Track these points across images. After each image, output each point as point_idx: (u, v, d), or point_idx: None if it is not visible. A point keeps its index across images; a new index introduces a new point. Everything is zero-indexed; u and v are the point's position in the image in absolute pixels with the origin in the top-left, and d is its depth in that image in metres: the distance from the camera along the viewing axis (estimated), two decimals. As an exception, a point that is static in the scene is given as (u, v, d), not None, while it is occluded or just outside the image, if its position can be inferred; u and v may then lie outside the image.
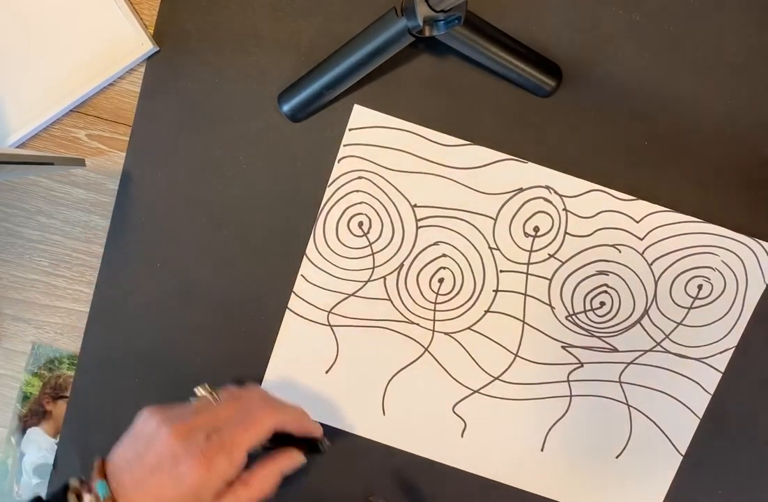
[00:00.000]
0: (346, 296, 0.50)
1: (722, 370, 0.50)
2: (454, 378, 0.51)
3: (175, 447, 0.39)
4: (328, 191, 0.49)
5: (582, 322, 0.50)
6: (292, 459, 0.44)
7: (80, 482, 0.40)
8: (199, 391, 0.44)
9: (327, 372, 0.51)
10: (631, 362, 0.50)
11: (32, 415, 0.55)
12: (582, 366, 0.51)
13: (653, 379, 0.50)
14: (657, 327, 0.50)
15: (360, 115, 0.48)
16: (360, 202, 0.49)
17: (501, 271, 0.50)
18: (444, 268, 0.50)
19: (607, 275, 0.49)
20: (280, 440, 0.44)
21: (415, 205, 0.49)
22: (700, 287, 0.49)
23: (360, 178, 0.49)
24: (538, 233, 0.49)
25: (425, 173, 0.49)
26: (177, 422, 0.40)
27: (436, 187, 0.49)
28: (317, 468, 0.53)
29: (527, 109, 0.48)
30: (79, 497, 0.38)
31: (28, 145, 0.51)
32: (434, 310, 0.50)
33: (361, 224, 0.50)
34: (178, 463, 0.38)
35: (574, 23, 0.47)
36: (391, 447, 0.52)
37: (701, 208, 0.48)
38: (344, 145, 0.49)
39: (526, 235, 0.49)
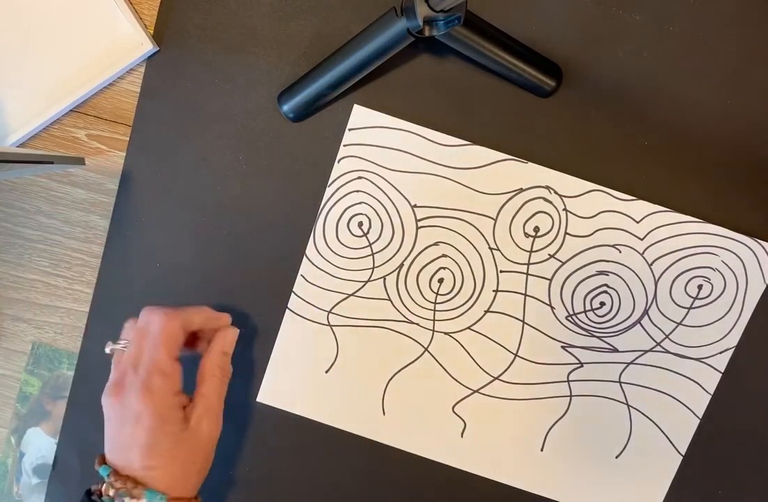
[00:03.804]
0: (346, 296, 0.50)
1: (722, 370, 0.50)
2: (453, 378, 0.51)
3: (120, 402, 0.40)
4: (328, 191, 0.49)
5: (582, 322, 0.50)
6: (225, 338, 0.45)
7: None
8: (108, 349, 0.44)
9: (327, 372, 0.51)
10: (631, 362, 0.50)
11: (32, 415, 0.55)
12: (582, 366, 0.50)
13: (653, 379, 0.50)
14: (657, 327, 0.50)
15: (360, 115, 0.48)
16: (360, 203, 0.49)
17: (501, 271, 0.50)
18: (444, 268, 0.50)
19: (607, 275, 0.49)
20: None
21: (415, 206, 0.49)
22: (700, 287, 0.49)
23: (360, 178, 0.49)
24: (538, 233, 0.49)
25: (425, 173, 0.49)
26: (110, 388, 0.41)
27: (436, 187, 0.49)
28: (317, 467, 0.53)
29: (527, 109, 0.48)
30: (99, 494, 0.40)
31: (28, 144, 0.51)
32: (434, 310, 0.50)
33: (361, 224, 0.50)
34: (129, 409, 0.40)
35: (574, 23, 0.47)
36: (391, 447, 0.52)
37: (701, 208, 0.48)
38: (344, 145, 0.49)
39: (526, 235, 0.49)
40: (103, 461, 0.41)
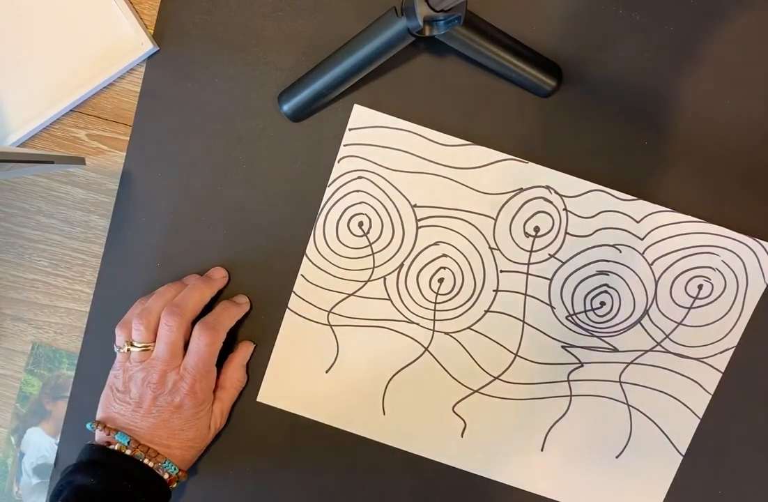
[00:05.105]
0: (346, 295, 0.50)
1: (722, 370, 0.50)
2: (454, 378, 0.51)
3: (163, 395, 0.46)
4: (328, 191, 0.49)
5: (582, 322, 0.50)
6: (246, 352, 0.51)
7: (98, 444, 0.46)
8: (124, 350, 0.47)
9: (327, 372, 0.51)
10: (631, 362, 0.50)
11: (32, 415, 0.55)
12: (582, 366, 0.50)
13: (653, 379, 0.50)
14: (657, 327, 0.50)
15: (360, 115, 0.48)
16: (360, 202, 0.49)
17: (501, 271, 0.50)
18: (444, 268, 0.50)
19: (608, 274, 0.49)
20: None
21: (415, 206, 0.49)
22: (700, 286, 0.49)
23: (360, 178, 0.49)
24: (539, 233, 0.49)
25: (425, 173, 0.49)
26: (153, 385, 0.46)
27: (436, 187, 0.49)
28: (317, 467, 0.53)
29: (527, 109, 0.48)
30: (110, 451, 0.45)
31: (29, 144, 0.51)
32: (434, 310, 0.50)
33: (361, 224, 0.50)
34: (171, 402, 0.46)
35: (574, 23, 0.47)
36: (391, 447, 0.52)
37: (701, 208, 0.48)
38: (344, 145, 0.49)
39: (527, 235, 0.49)
40: (104, 426, 0.46)
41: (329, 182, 0.49)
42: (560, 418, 0.51)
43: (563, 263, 0.49)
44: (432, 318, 0.50)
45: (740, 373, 0.50)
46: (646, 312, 0.50)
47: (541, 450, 0.52)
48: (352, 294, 0.50)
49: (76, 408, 0.54)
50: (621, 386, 0.51)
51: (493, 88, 0.48)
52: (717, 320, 0.50)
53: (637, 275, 0.49)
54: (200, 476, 0.53)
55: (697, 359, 0.50)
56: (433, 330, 0.50)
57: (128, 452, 0.44)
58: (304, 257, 0.50)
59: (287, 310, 0.51)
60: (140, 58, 0.48)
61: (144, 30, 0.47)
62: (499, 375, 0.51)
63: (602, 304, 0.50)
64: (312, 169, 0.49)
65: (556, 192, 0.48)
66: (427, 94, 0.48)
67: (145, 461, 0.44)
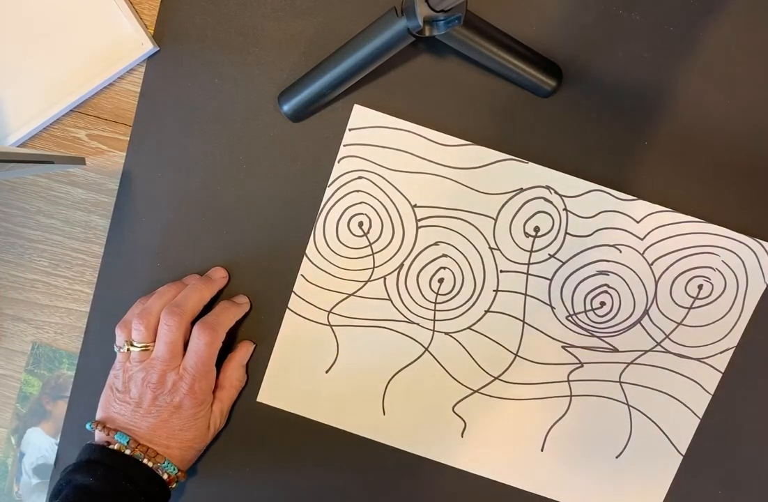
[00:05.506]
0: (346, 295, 0.50)
1: (722, 370, 0.50)
2: (454, 378, 0.51)
3: (162, 396, 0.46)
4: (328, 191, 0.49)
5: (582, 322, 0.50)
6: (246, 352, 0.51)
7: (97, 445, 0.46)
8: (124, 350, 0.47)
9: (327, 372, 0.51)
10: (631, 362, 0.50)
11: (32, 415, 0.55)
12: (582, 366, 0.51)
13: (653, 379, 0.50)
14: (657, 327, 0.50)
15: (360, 115, 0.48)
16: (360, 202, 0.49)
17: (501, 271, 0.50)
18: (444, 268, 0.50)
19: (608, 275, 0.49)
20: None
21: (415, 206, 0.49)
22: (700, 287, 0.49)
23: (360, 178, 0.49)
24: (539, 233, 0.49)
25: (425, 173, 0.49)
26: (153, 385, 0.46)
27: (436, 187, 0.49)
28: (317, 467, 0.53)
29: (527, 109, 0.48)
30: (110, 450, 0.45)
31: (29, 144, 0.51)
32: (434, 310, 0.50)
33: (361, 224, 0.50)
34: (171, 403, 0.46)
35: (574, 23, 0.47)
36: (391, 447, 0.52)
37: (701, 208, 0.48)
38: (344, 145, 0.49)
39: (527, 235, 0.49)
40: (104, 426, 0.46)
41: (329, 182, 0.49)
42: (560, 418, 0.51)
43: (563, 263, 0.49)
44: (432, 318, 0.50)
45: (740, 373, 0.50)
46: (646, 312, 0.50)
47: (541, 450, 0.52)
48: (352, 294, 0.50)
49: (76, 408, 0.54)
50: (621, 386, 0.51)
51: (493, 88, 0.48)
52: (717, 320, 0.50)
53: (637, 275, 0.49)
54: (200, 476, 0.53)
55: (697, 359, 0.50)
56: (433, 330, 0.50)
57: (128, 451, 0.45)
58: (304, 257, 0.50)
59: (287, 310, 0.51)
60: (140, 58, 0.48)
61: (144, 30, 0.47)
62: (499, 375, 0.51)
63: (602, 304, 0.50)
64: (312, 169, 0.49)
65: (556, 192, 0.48)
66: (427, 94, 0.48)
67: (145, 461, 0.45)
